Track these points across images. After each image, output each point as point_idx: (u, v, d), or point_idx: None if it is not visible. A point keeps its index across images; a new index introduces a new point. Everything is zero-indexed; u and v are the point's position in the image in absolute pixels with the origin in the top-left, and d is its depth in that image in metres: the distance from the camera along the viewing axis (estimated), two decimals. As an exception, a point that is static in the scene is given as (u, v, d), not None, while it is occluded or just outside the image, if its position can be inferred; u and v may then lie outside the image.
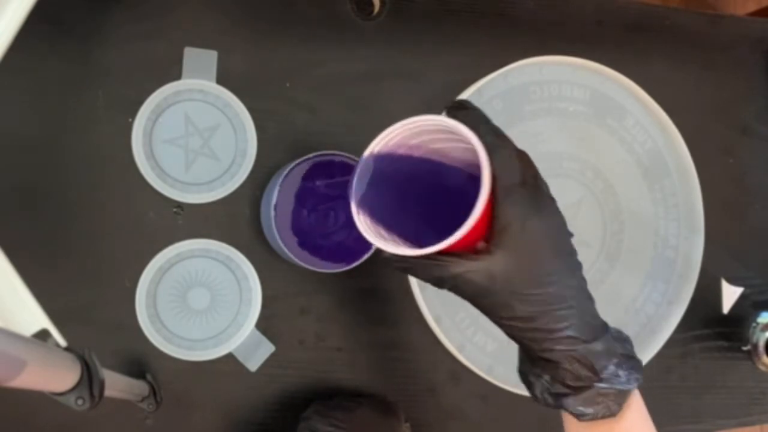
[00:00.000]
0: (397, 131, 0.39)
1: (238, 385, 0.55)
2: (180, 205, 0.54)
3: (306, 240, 0.52)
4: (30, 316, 0.38)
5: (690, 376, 0.67)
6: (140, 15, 0.54)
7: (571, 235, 0.39)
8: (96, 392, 0.35)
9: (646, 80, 0.66)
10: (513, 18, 0.65)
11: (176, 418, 0.53)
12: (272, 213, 0.51)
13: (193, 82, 0.53)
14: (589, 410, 0.38)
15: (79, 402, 0.34)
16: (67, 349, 0.36)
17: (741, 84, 0.72)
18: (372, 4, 0.60)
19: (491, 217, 0.36)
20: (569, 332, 0.37)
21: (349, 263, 0.53)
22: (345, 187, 0.53)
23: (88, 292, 0.52)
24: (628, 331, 0.65)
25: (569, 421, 0.40)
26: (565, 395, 0.38)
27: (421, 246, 0.36)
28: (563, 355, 0.37)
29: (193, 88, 0.54)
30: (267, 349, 0.55)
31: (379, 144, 0.39)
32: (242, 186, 0.54)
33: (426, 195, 0.42)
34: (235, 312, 0.54)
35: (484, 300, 0.37)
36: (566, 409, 0.38)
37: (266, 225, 0.53)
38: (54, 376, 0.33)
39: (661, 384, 0.66)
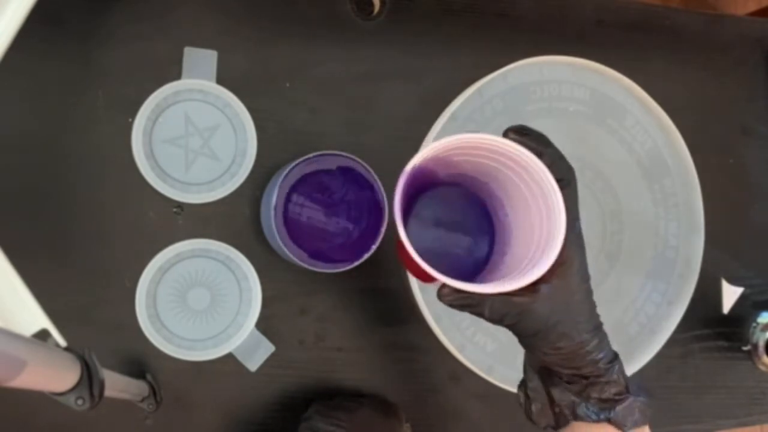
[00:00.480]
0: (443, 145, 0.36)
1: (238, 385, 0.55)
2: (180, 205, 0.54)
3: (306, 240, 0.52)
4: (30, 316, 0.38)
5: (690, 376, 0.67)
6: (140, 15, 0.54)
7: None
8: (96, 392, 0.35)
9: (646, 80, 0.66)
10: (513, 18, 0.65)
11: (176, 418, 0.53)
12: (272, 213, 0.51)
13: (193, 82, 0.53)
14: (629, 419, 0.40)
15: (79, 402, 0.34)
16: (67, 349, 0.36)
17: (741, 84, 0.72)
18: (372, 4, 0.60)
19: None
20: (603, 353, 0.40)
21: (349, 263, 0.53)
22: (341, 188, 0.53)
23: (88, 292, 0.52)
24: (628, 331, 0.65)
25: None
26: (610, 407, 0.40)
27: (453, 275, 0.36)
28: (605, 369, 0.40)
29: (193, 88, 0.54)
30: (267, 349, 0.55)
31: (423, 155, 0.36)
32: (242, 186, 0.54)
33: (437, 214, 0.42)
34: (235, 312, 0.54)
35: (544, 332, 0.38)
36: (613, 419, 0.40)
37: (266, 225, 0.53)
38: (54, 376, 0.33)
39: (661, 384, 0.66)
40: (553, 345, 0.39)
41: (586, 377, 0.40)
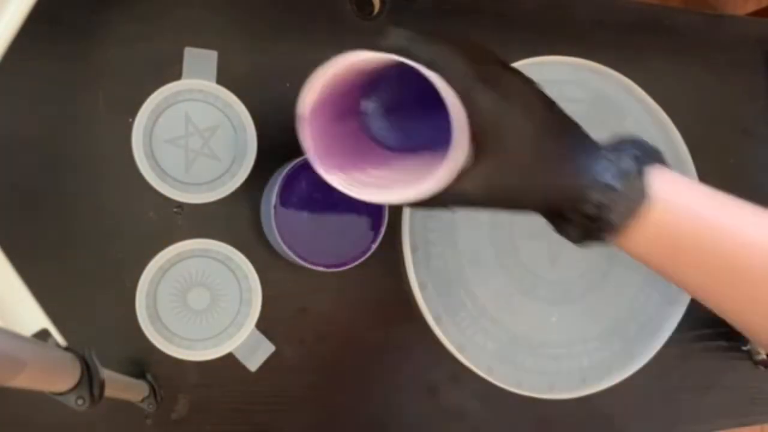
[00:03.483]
0: (322, 76, 0.36)
1: (238, 385, 0.55)
2: (180, 205, 0.54)
3: (306, 240, 0.52)
4: (30, 316, 0.38)
5: (690, 376, 0.67)
6: (140, 15, 0.54)
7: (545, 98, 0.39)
8: (96, 392, 0.35)
9: (646, 80, 0.66)
10: (513, 18, 0.65)
11: (176, 418, 0.53)
12: (272, 213, 0.51)
13: (193, 82, 0.53)
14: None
15: (79, 402, 0.34)
16: (67, 349, 0.36)
17: (741, 84, 0.72)
18: (372, 4, 0.60)
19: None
20: (576, 177, 0.38)
21: (349, 263, 0.53)
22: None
23: (88, 292, 0.52)
24: (628, 331, 0.65)
25: (628, 244, 0.40)
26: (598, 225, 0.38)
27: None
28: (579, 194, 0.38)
29: (193, 88, 0.54)
30: (267, 349, 0.55)
31: (311, 94, 0.37)
32: (242, 186, 0.54)
33: (375, 114, 0.41)
34: (235, 312, 0.54)
35: (498, 199, 0.38)
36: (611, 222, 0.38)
37: (266, 225, 0.53)
38: (54, 376, 0.33)
39: (661, 384, 0.66)
40: (517, 204, 0.38)
41: (562, 215, 0.39)
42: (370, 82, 0.41)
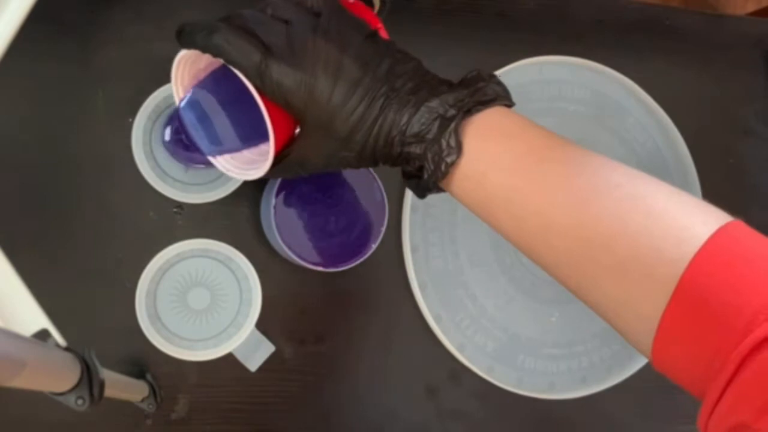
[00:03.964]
0: (178, 73, 0.42)
1: (238, 385, 0.55)
2: (180, 205, 0.54)
3: (306, 240, 0.52)
4: (30, 316, 0.38)
5: (690, 376, 0.67)
6: (141, 15, 0.54)
7: (367, 31, 0.39)
8: (96, 392, 0.35)
9: (646, 80, 0.66)
10: (513, 18, 0.65)
11: (176, 418, 0.53)
12: (272, 213, 0.51)
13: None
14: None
15: (79, 402, 0.34)
16: (67, 349, 0.36)
17: (741, 84, 0.72)
18: (372, 4, 0.60)
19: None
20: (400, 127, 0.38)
21: (349, 263, 0.53)
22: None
23: (88, 292, 0.52)
24: (628, 331, 0.65)
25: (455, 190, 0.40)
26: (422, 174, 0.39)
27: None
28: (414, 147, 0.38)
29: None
30: (267, 349, 0.55)
31: (179, 90, 0.42)
32: (242, 186, 0.54)
33: (243, 100, 0.43)
34: (235, 312, 0.54)
35: (333, 163, 0.40)
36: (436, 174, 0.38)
37: (266, 225, 0.53)
38: (54, 376, 0.33)
39: (661, 384, 0.66)
40: (360, 162, 0.39)
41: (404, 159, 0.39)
42: None
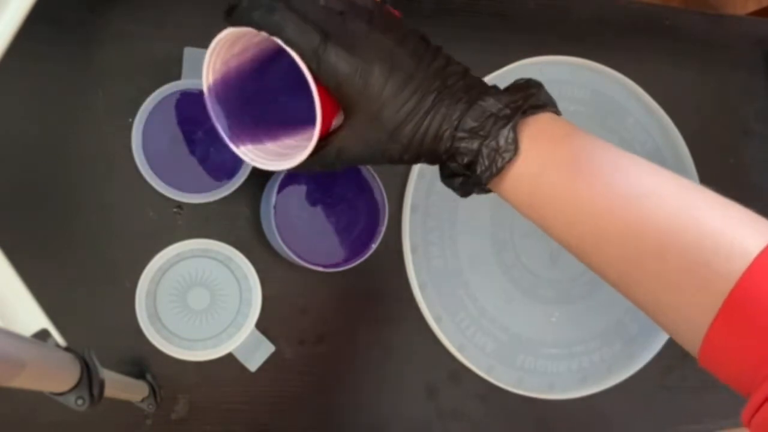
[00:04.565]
0: (213, 56, 0.40)
1: (238, 385, 0.55)
2: (180, 205, 0.54)
3: (306, 240, 0.52)
4: (30, 316, 0.38)
5: (690, 376, 0.67)
6: (140, 15, 0.54)
7: (416, 34, 0.39)
8: (96, 392, 0.35)
9: (646, 80, 0.66)
10: (513, 18, 0.65)
11: (176, 418, 0.53)
12: (272, 213, 0.51)
13: (193, 82, 0.53)
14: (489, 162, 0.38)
15: (79, 402, 0.34)
16: (67, 349, 0.36)
17: (741, 84, 0.72)
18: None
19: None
20: (451, 125, 0.38)
21: (349, 263, 0.53)
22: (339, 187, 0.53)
23: (88, 292, 0.52)
24: (629, 331, 0.65)
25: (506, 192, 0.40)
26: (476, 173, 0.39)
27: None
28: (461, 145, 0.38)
29: (192, 88, 0.53)
30: (267, 349, 0.55)
31: (209, 72, 0.41)
32: (242, 186, 0.54)
33: (281, 86, 0.43)
34: (235, 312, 0.54)
35: (375, 156, 0.39)
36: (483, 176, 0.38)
37: (266, 225, 0.53)
38: (54, 376, 0.33)
39: (661, 384, 0.66)
40: (396, 158, 0.39)
41: (450, 158, 0.39)
42: (278, 55, 0.43)
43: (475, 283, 0.61)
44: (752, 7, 1.27)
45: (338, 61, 0.36)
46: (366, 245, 0.53)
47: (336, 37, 0.36)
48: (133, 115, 0.52)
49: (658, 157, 0.67)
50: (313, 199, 0.53)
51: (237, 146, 0.42)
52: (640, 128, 0.67)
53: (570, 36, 0.66)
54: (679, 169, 0.67)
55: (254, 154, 0.42)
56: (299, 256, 0.51)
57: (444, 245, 0.60)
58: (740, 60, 0.72)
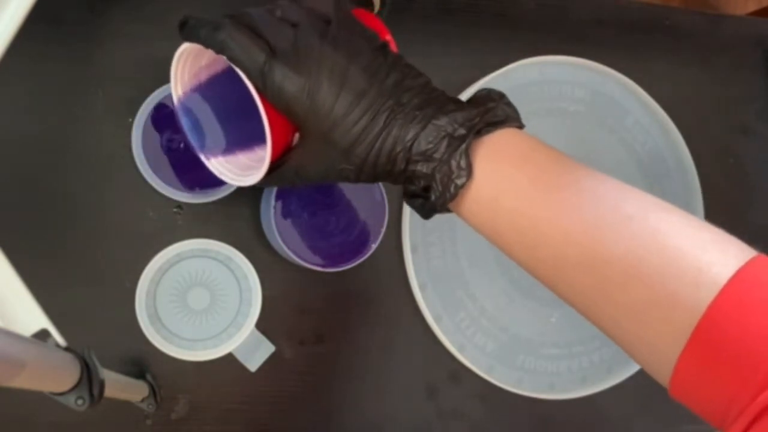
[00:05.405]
0: (178, 68, 0.40)
1: (238, 385, 0.55)
2: (180, 205, 0.54)
3: (306, 240, 0.52)
4: (30, 316, 0.38)
5: (690, 376, 0.67)
6: (140, 15, 0.54)
7: (376, 40, 0.38)
8: (96, 392, 0.35)
9: (646, 80, 0.66)
10: (513, 18, 0.65)
11: (176, 418, 0.53)
12: (272, 213, 0.51)
13: (193, 82, 0.53)
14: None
15: (79, 402, 0.34)
16: (67, 349, 0.36)
17: (741, 84, 0.72)
18: (372, 5, 0.60)
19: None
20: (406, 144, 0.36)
21: (349, 263, 0.53)
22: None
23: (88, 292, 0.52)
24: (628, 331, 0.65)
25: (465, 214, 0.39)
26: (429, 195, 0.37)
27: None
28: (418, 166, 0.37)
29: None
30: (267, 349, 0.55)
31: (178, 85, 0.41)
32: (242, 186, 0.54)
33: (243, 104, 0.42)
34: (235, 312, 0.54)
35: (331, 175, 0.38)
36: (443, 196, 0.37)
37: (266, 225, 0.53)
38: (54, 376, 0.33)
39: (661, 384, 0.66)
40: (354, 177, 0.38)
41: (408, 176, 0.38)
42: None
43: (475, 283, 0.61)
44: (752, 7, 1.27)
45: (284, 80, 0.35)
46: (366, 245, 0.53)
47: (283, 55, 0.35)
48: (133, 115, 0.52)
49: (658, 157, 0.67)
50: (312, 200, 0.53)
51: (208, 159, 0.42)
52: (640, 128, 0.67)
53: (570, 36, 0.66)
54: (679, 169, 0.67)
55: (224, 167, 0.42)
56: (299, 256, 0.51)
57: (444, 245, 0.60)
58: (740, 60, 0.72)
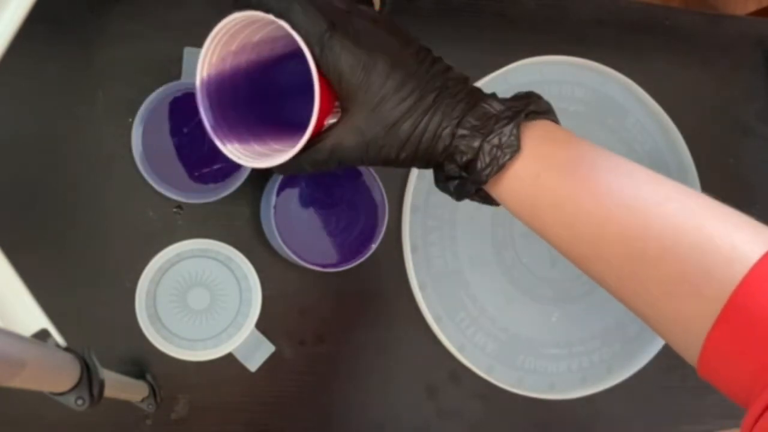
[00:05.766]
0: (212, 45, 0.39)
1: (238, 385, 0.55)
2: (180, 205, 0.54)
3: (306, 240, 0.52)
4: (30, 316, 0.38)
5: (690, 376, 0.67)
6: (140, 15, 0.54)
7: (409, 42, 0.39)
8: (96, 392, 0.35)
9: (646, 80, 0.66)
10: (513, 18, 0.65)
11: (176, 418, 0.53)
12: (272, 213, 0.51)
13: (193, 82, 0.53)
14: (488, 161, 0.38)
15: (79, 402, 0.34)
16: (67, 349, 0.36)
17: (741, 84, 0.72)
18: (372, 4, 0.60)
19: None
20: (449, 127, 0.38)
21: (349, 263, 0.53)
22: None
23: (88, 292, 0.52)
24: (628, 331, 0.65)
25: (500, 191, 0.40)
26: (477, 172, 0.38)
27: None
28: (459, 143, 0.38)
29: (192, 87, 0.53)
30: (267, 349, 0.55)
31: (204, 65, 0.40)
32: (242, 186, 0.54)
33: (274, 92, 0.42)
34: (235, 312, 0.54)
35: (371, 154, 0.38)
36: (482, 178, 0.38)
37: (266, 225, 0.53)
38: (54, 376, 0.33)
39: (661, 384, 0.66)
40: (391, 158, 0.39)
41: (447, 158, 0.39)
42: (273, 61, 0.43)
43: (475, 283, 0.61)
44: (752, 7, 1.27)
45: (343, 50, 0.36)
46: (366, 245, 0.53)
47: (343, 28, 0.37)
48: (133, 115, 0.52)
49: (659, 157, 0.67)
50: (313, 200, 0.53)
51: (224, 145, 0.41)
52: (640, 128, 0.67)
53: (570, 36, 0.66)
54: (679, 169, 0.67)
55: (240, 153, 0.42)
56: (299, 256, 0.51)
57: (444, 245, 0.60)
58: (740, 60, 0.72)
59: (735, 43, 0.72)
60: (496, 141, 0.37)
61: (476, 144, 0.37)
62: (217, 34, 0.39)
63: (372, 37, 0.37)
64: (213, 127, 0.41)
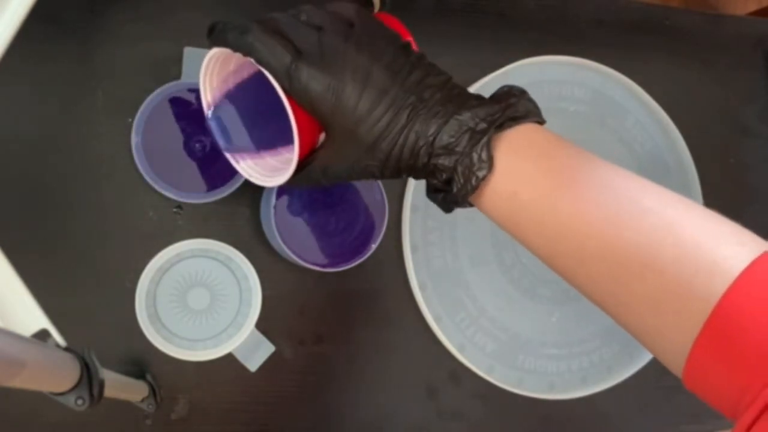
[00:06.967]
0: (207, 74, 0.41)
1: (238, 385, 0.55)
2: (180, 205, 0.54)
3: (306, 240, 0.52)
4: (30, 316, 0.38)
5: (690, 376, 0.67)
6: (140, 15, 0.54)
7: (400, 41, 0.39)
8: (96, 392, 0.35)
9: (646, 80, 0.66)
10: (513, 18, 0.65)
11: (176, 418, 0.53)
12: (272, 213, 0.51)
13: (193, 81, 0.53)
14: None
15: (79, 402, 0.34)
16: (67, 349, 0.36)
17: (741, 84, 0.72)
18: (372, 4, 0.60)
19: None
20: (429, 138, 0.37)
21: (349, 263, 0.53)
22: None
23: (88, 292, 0.52)
24: (628, 331, 0.65)
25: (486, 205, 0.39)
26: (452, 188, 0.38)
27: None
28: (443, 160, 0.37)
29: (192, 88, 0.53)
30: (267, 349, 0.55)
31: (207, 91, 0.42)
32: (242, 186, 0.54)
33: (269, 107, 0.43)
34: (235, 312, 0.54)
35: (356, 172, 0.39)
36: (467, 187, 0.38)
37: (266, 225, 0.53)
38: (54, 376, 0.33)
39: (661, 384, 0.66)
40: (379, 172, 0.39)
41: (431, 170, 0.38)
42: None
43: (475, 283, 0.61)
44: (752, 7, 1.27)
45: (310, 79, 0.36)
46: (366, 245, 0.53)
47: (309, 56, 0.36)
48: (133, 115, 0.52)
49: (659, 157, 0.67)
50: (313, 199, 0.53)
51: (237, 162, 0.43)
52: (640, 128, 0.67)
53: (570, 36, 0.66)
54: (679, 169, 0.67)
55: (252, 170, 0.43)
56: (299, 256, 0.51)
57: (444, 245, 0.60)
58: (740, 60, 0.72)
59: (735, 43, 0.72)
60: (467, 161, 0.37)
61: (451, 163, 0.37)
62: (207, 64, 0.40)
63: (340, 57, 0.37)
64: (228, 150, 0.43)
